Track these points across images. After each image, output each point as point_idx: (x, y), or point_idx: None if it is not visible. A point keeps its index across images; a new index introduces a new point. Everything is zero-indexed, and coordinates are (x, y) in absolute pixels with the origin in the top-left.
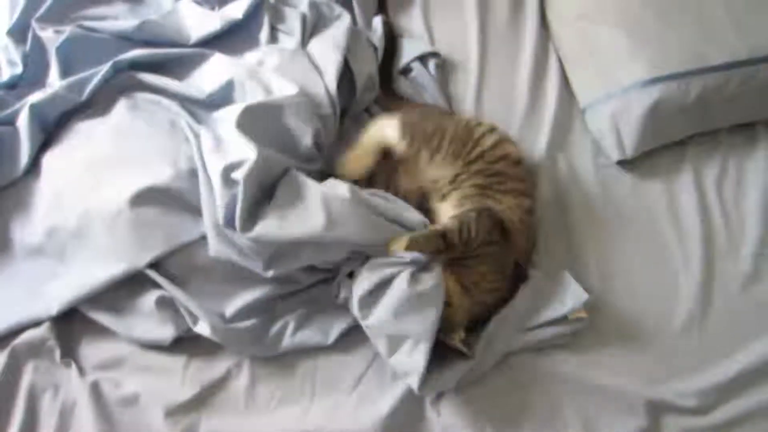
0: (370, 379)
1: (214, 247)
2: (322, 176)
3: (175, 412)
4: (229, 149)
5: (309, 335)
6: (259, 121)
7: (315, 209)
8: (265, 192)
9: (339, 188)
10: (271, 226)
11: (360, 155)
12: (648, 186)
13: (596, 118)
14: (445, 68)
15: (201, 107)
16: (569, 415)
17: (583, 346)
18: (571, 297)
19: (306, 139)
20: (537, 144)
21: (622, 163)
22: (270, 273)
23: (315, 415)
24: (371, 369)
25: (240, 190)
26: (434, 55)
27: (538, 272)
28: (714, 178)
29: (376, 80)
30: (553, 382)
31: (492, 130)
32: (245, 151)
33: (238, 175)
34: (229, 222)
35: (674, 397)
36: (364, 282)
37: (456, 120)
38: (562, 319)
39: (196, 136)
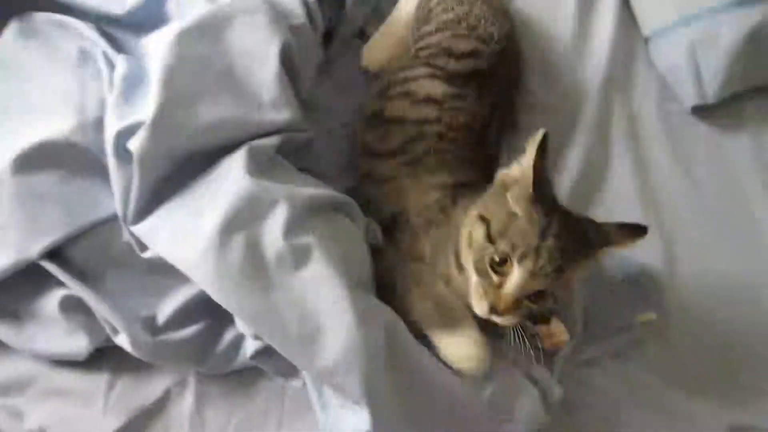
0: None
1: None
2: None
3: None
4: (137, 101)
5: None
6: (199, 51)
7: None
8: (192, 167)
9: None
10: (151, 228)
11: (386, 37)
12: (730, 140)
13: (667, 51)
14: None
15: (126, 30)
16: None
17: (646, 355)
18: (643, 298)
19: (269, 63)
20: (587, 82)
21: (698, 110)
22: None
23: None
24: None
25: (135, 170)
26: None
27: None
28: None
29: None
30: (611, 403)
31: None
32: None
33: (132, 146)
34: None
35: (763, 420)
36: None
37: None
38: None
39: (112, 68)
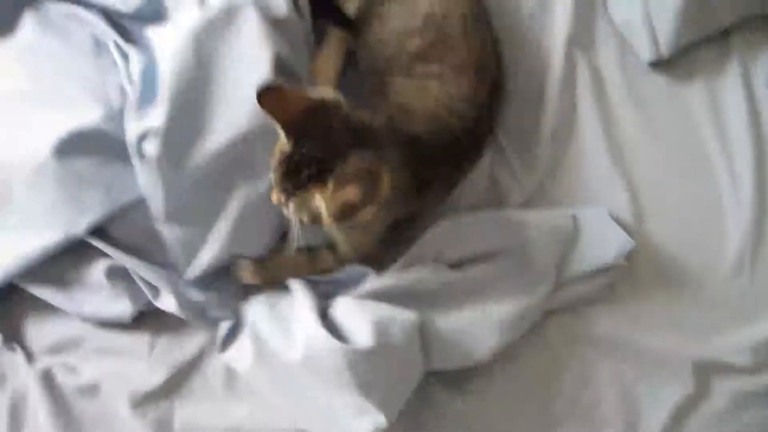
0: None
1: None
2: None
3: (142, 401)
4: (151, 98)
5: None
6: (201, 57)
7: None
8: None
9: None
10: None
11: (328, 52)
12: (686, 89)
13: (623, 8)
14: None
15: (131, 21)
16: (604, 382)
17: (617, 298)
18: (614, 242)
19: (261, 69)
20: (551, 41)
21: (655, 63)
22: None
23: None
24: None
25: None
26: None
27: (563, 211)
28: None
29: None
30: (586, 345)
31: None
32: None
33: (151, 150)
34: None
35: (725, 354)
36: None
37: None
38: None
39: (127, 60)
